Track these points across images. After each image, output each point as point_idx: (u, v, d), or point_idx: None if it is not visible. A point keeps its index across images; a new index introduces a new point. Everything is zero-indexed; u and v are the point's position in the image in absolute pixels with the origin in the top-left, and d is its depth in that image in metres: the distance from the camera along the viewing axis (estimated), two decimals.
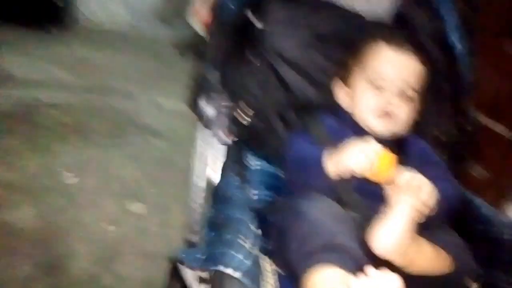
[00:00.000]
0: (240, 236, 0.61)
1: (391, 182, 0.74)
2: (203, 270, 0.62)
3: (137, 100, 2.43)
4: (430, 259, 0.72)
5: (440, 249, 0.74)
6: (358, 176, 0.74)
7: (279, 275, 0.73)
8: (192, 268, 0.62)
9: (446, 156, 0.99)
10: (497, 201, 1.44)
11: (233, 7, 0.95)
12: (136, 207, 1.58)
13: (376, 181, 0.76)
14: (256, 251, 0.61)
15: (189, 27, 2.89)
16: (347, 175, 0.76)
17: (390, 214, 0.70)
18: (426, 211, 0.72)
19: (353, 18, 1.03)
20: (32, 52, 2.58)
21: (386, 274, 0.50)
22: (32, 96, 2.12)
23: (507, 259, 0.76)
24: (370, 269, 0.51)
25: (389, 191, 0.73)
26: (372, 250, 0.68)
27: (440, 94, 1.03)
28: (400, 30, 1.02)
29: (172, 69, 2.75)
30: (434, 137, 1.02)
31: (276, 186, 0.91)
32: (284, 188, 0.93)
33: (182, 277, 0.73)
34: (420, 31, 1.03)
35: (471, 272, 0.77)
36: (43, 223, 1.40)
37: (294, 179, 0.88)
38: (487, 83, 1.53)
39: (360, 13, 1.03)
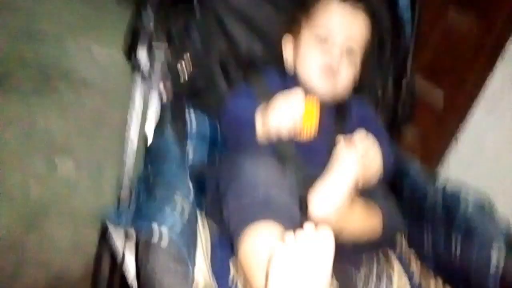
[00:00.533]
0: (170, 191, 0.56)
1: (314, 136, 0.75)
2: (131, 228, 0.58)
3: (68, 47, 2.21)
4: (362, 222, 0.73)
5: (373, 209, 0.75)
6: (284, 135, 0.73)
7: (213, 232, 0.71)
8: (120, 226, 0.57)
9: (385, 116, 1.01)
10: (427, 163, 1.52)
11: None
12: (65, 163, 1.46)
13: (302, 138, 0.75)
14: (188, 207, 0.57)
15: None
16: (274, 135, 0.74)
17: (333, 177, 0.68)
18: (370, 175, 0.71)
19: None
20: None
21: (321, 230, 0.48)
22: None
23: (430, 216, 0.78)
24: (306, 225, 0.49)
25: (336, 150, 0.71)
26: (309, 212, 0.67)
27: (383, 56, 1.03)
28: None
29: (108, 14, 2.53)
30: (375, 98, 1.03)
31: (216, 143, 0.87)
32: (223, 145, 0.90)
33: (111, 235, 0.68)
34: None
35: (400, 228, 0.80)
36: None
37: (230, 137, 0.86)
38: (429, 48, 1.57)
39: None
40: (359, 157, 0.68)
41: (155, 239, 0.50)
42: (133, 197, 0.62)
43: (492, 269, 0.65)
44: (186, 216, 0.54)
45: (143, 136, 0.90)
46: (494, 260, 0.65)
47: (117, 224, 0.57)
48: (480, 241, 0.68)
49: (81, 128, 1.66)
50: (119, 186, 0.86)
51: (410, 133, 1.59)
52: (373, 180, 0.73)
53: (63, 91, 1.85)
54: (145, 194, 0.57)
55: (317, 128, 0.74)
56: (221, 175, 0.73)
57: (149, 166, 0.62)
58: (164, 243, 0.50)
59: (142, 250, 0.49)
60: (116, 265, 0.65)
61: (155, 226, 0.51)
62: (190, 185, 0.65)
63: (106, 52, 2.17)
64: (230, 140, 0.86)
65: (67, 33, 2.29)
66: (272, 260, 0.48)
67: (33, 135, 1.53)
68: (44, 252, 1.20)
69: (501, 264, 0.65)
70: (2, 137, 1.47)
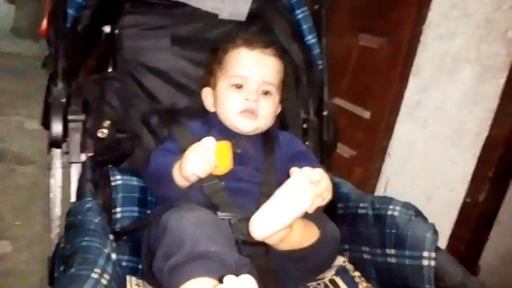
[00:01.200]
0: (87, 266, 0.54)
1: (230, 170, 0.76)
2: None
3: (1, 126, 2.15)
4: (301, 235, 0.73)
5: (310, 222, 0.75)
6: (203, 176, 0.74)
7: None
8: None
9: (312, 146, 1.04)
10: (365, 175, 1.58)
11: (71, 11, 0.87)
12: (1, 246, 1.37)
13: (220, 174, 0.77)
14: (107, 281, 0.54)
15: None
16: (193, 179, 0.75)
17: (281, 205, 0.66)
18: (320, 202, 0.70)
19: (207, 18, 1.01)
20: None
21: (244, 279, 0.48)
22: None
23: (365, 232, 0.80)
24: (227, 278, 0.49)
25: (291, 181, 0.68)
26: (251, 234, 0.66)
27: (301, 90, 1.08)
28: (255, 27, 1.04)
29: (37, 84, 2.49)
30: (300, 130, 1.06)
31: (142, 199, 0.86)
32: (154, 203, 0.89)
33: None
34: (275, 27, 1.06)
35: (336, 243, 0.80)
36: None
37: (155, 193, 0.86)
38: (348, 73, 1.67)
39: (215, 11, 1.02)
40: (317, 191, 0.67)
41: None
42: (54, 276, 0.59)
43: (426, 276, 0.67)
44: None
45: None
46: (425, 268, 0.68)
47: None
48: (410, 248, 0.71)
49: (16, 206, 1.58)
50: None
51: (347, 155, 1.66)
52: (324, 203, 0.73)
53: None
54: (63, 275, 0.54)
55: (231, 166, 0.77)
56: (150, 237, 0.71)
57: (69, 244, 0.60)
58: None
59: None
60: None
61: None
62: (114, 256, 0.62)
63: (39, 126, 2.12)
64: (156, 196, 0.86)
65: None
66: None
67: None
68: None
69: (432, 271, 0.67)
70: None
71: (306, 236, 0.73)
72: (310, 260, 0.74)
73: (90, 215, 0.64)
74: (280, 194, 0.66)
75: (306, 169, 0.68)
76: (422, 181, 1.41)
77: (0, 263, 1.29)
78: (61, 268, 0.56)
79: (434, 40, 1.39)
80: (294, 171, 0.68)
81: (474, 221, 1.28)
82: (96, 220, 0.63)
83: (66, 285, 0.51)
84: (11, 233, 1.42)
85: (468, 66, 1.28)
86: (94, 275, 0.53)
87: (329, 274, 0.83)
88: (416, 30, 1.41)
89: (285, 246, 0.71)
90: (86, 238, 0.59)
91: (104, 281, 0.53)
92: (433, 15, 1.38)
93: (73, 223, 0.64)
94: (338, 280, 0.82)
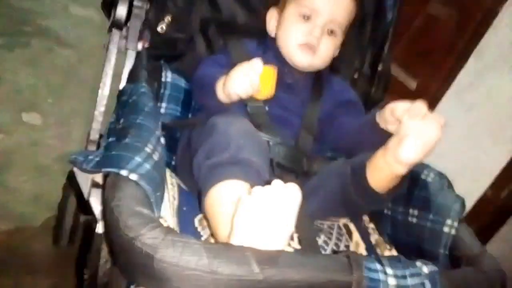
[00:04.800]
0: (141, 140, 0.56)
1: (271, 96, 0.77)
2: (96, 172, 0.57)
3: (44, 5, 2.12)
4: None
5: None
6: (244, 97, 0.75)
7: (181, 190, 0.71)
8: (84, 170, 0.57)
9: (357, 95, 1.03)
10: None
11: None
12: (31, 117, 1.42)
13: (261, 98, 0.78)
14: (158, 157, 0.56)
15: None
16: (234, 98, 0.75)
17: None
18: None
19: None
20: None
21: (289, 185, 0.50)
22: None
23: (422, 195, 0.77)
24: (275, 180, 0.50)
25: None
26: (399, 157, 0.64)
27: (363, 38, 1.05)
28: None
29: None
30: (348, 75, 1.04)
31: (187, 102, 0.87)
32: (197, 109, 0.90)
33: (77, 182, 0.67)
34: None
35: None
36: None
37: (198, 99, 0.87)
38: (405, 37, 1.60)
39: None
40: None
41: (122, 182, 0.50)
42: (102, 146, 0.61)
43: (443, 241, 0.69)
44: (155, 168, 0.54)
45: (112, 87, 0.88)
46: (445, 235, 0.69)
47: (84, 168, 0.56)
48: (436, 213, 0.72)
49: (51, 85, 1.60)
50: (87, 139, 0.85)
51: None
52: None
53: (35, 47, 1.77)
54: (116, 144, 0.56)
55: (273, 93, 0.78)
56: (193, 133, 0.73)
57: (122, 119, 0.61)
58: (131, 188, 0.50)
59: (109, 193, 0.49)
60: (81, 210, 0.64)
61: (123, 171, 0.51)
62: (163, 141, 0.65)
63: (83, 12, 2.10)
64: (199, 103, 0.88)
65: None
66: (239, 209, 0.49)
67: (8, 89, 1.48)
68: (5, 204, 1.18)
69: (450, 239, 0.69)
70: None
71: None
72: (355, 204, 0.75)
73: (144, 98, 0.65)
74: (417, 125, 0.65)
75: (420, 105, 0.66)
76: (448, 163, 1.39)
77: (30, 132, 1.34)
78: (112, 139, 0.58)
79: (507, 26, 1.32)
80: (418, 105, 0.67)
81: (488, 215, 1.28)
82: (150, 104, 0.64)
83: (120, 151, 0.53)
84: (42, 108, 1.46)
85: None
86: (147, 149, 0.55)
87: (344, 219, 0.85)
88: (492, 11, 1.33)
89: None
90: (140, 117, 0.60)
91: (155, 157, 0.55)
92: None
93: (127, 102, 0.65)
94: (352, 226, 0.84)
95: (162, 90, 0.86)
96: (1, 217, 1.18)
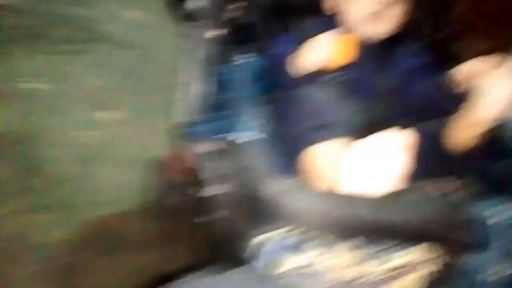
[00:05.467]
0: (246, 114, 0.62)
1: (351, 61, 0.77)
2: (214, 141, 0.63)
3: (94, 8, 2.22)
4: None
5: None
6: (320, 67, 0.76)
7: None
8: (201, 140, 0.63)
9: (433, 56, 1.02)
10: None
11: None
12: (111, 114, 1.52)
13: (338, 65, 0.79)
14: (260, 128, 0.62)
15: None
16: (310, 69, 0.77)
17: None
18: None
19: None
20: None
21: (402, 132, 0.53)
22: None
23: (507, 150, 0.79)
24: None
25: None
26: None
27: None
28: None
29: None
30: (421, 41, 1.02)
31: (262, 81, 0.92)
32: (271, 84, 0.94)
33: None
34: None
35: None
36: (9, 128, 1.33)
37: (273, 76, 0.88)
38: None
39: None
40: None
41: (241, 140, 0.56)
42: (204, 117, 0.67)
43: None
44: (259, 132, 0.60)
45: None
46: None
47: (195, 137, 0.62)
48: None
49: (117, 83, 1.70)
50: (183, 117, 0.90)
51: None
52: None
53: (95, 48, 1.88)
54: (218, 115, 0.62)
55: (348, 61, 0.79)
56: (281, 105, 0.77)
57: (219, 93, 0.67)
58: (252, 149, 0.55)
59: (231, 152, 0.55)
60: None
61: (235, 134, 0.56)
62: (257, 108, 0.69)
63: (137, 15, 2.18)
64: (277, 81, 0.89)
65: None
66: (345, 158, 0.53)
67: (70, 87, 1.58)
68: (98, 192, 1.28)
69: None
70: (44, 93, 1.52)
71: None
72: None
73: (239, 78, 0.69)
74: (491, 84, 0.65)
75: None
76: None
77: (113, 128, 1.46)
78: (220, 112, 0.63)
79: None
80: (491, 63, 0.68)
81: None
82: (244, 82, 0.70)
83: (228, 123, 0.59)
84: (118, 105, 1.54)
85: None
86: (251, 120, 0.59)
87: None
88: None
89: None
90: (239, 94, 0.66)
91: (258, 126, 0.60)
92: None
93: (224, 80, 0.71)
94: None
95: (238, 72, 0.91)
96: (95, 204, 1.29)
